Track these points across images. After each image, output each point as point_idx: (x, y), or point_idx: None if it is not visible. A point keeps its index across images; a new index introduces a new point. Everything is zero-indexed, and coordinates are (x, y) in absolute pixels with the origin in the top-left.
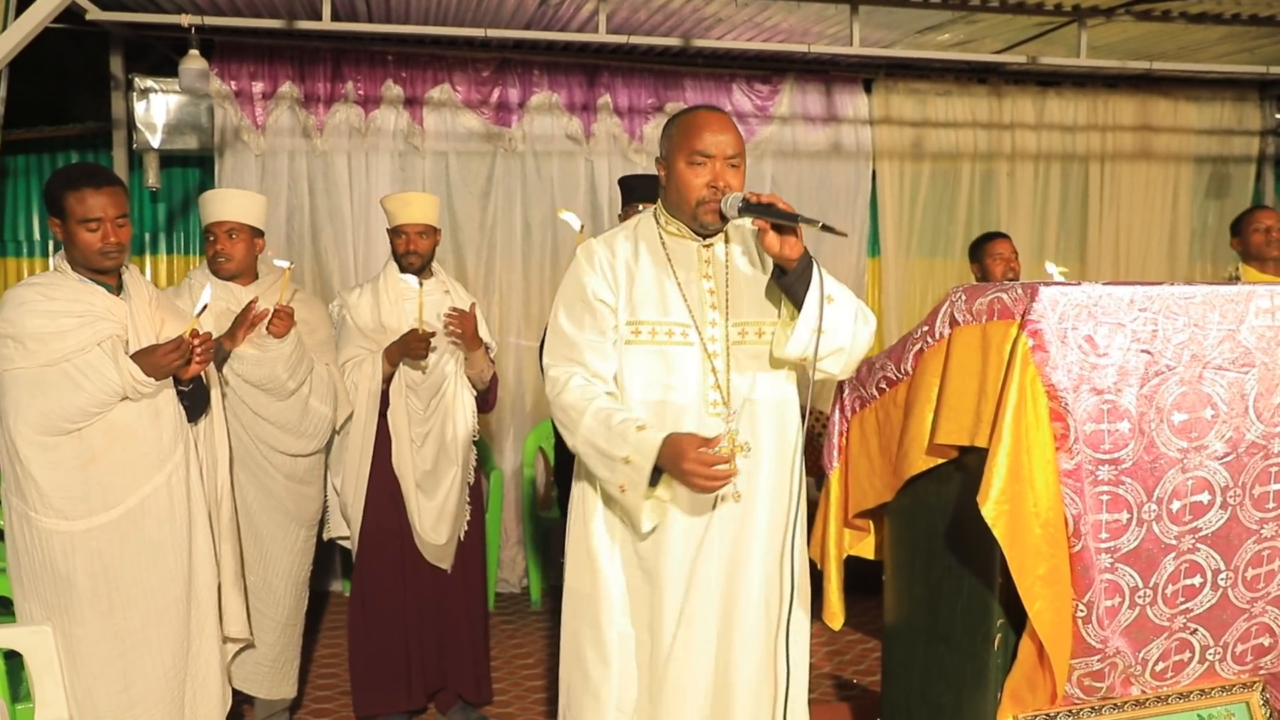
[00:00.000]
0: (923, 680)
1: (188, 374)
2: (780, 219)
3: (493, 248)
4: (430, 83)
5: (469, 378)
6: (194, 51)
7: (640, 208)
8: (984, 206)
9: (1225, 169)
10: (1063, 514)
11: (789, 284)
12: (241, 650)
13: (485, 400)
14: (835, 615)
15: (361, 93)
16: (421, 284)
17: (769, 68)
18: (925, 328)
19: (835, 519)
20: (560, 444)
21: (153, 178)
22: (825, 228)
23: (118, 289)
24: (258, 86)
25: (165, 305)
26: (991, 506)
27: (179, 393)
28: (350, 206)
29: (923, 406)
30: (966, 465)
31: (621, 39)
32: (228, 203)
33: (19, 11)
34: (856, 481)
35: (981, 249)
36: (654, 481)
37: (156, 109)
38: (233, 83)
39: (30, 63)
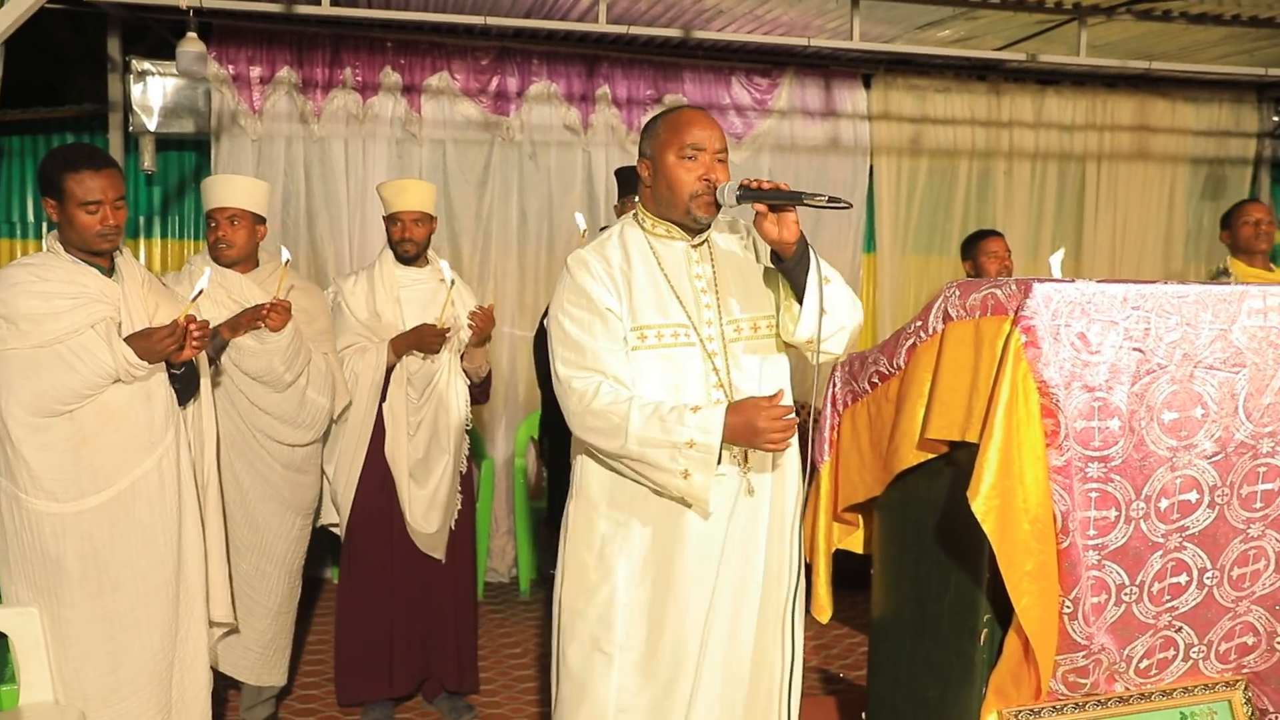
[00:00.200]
0: (909, 675)
1: (180, 358)
2: (782, 199)
3: (489, 237)
4: (429, 70)
5: (466, 371)
6: (192, 34)
7: (637, 199)
8: (981, 204)
9: (1221, 171)
10: (1052, 510)
11: (789, 268)
12: (226, 635)
13: (481, 391)
14: (823, 609)
15: (360, 79)
16: (452, 283)
17: (768, 61)
18: (919, 322)
19: (825, 512)
20: (555, 439)
21: (148, 161)
22: (831, 200)
23: (110, 271)
24: (255, 71)
25: (158, 289)
26: (981, 501)
27: (170, 376)
28: (347, 193)
29: (914, 401)
30: (957, 460)
31: (621, 29)
32: (230, 189)
33: None
34: (847, 475)
35: (975, 247)
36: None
37: (153, 92)
38: (230, 67)
39: (27, 44)
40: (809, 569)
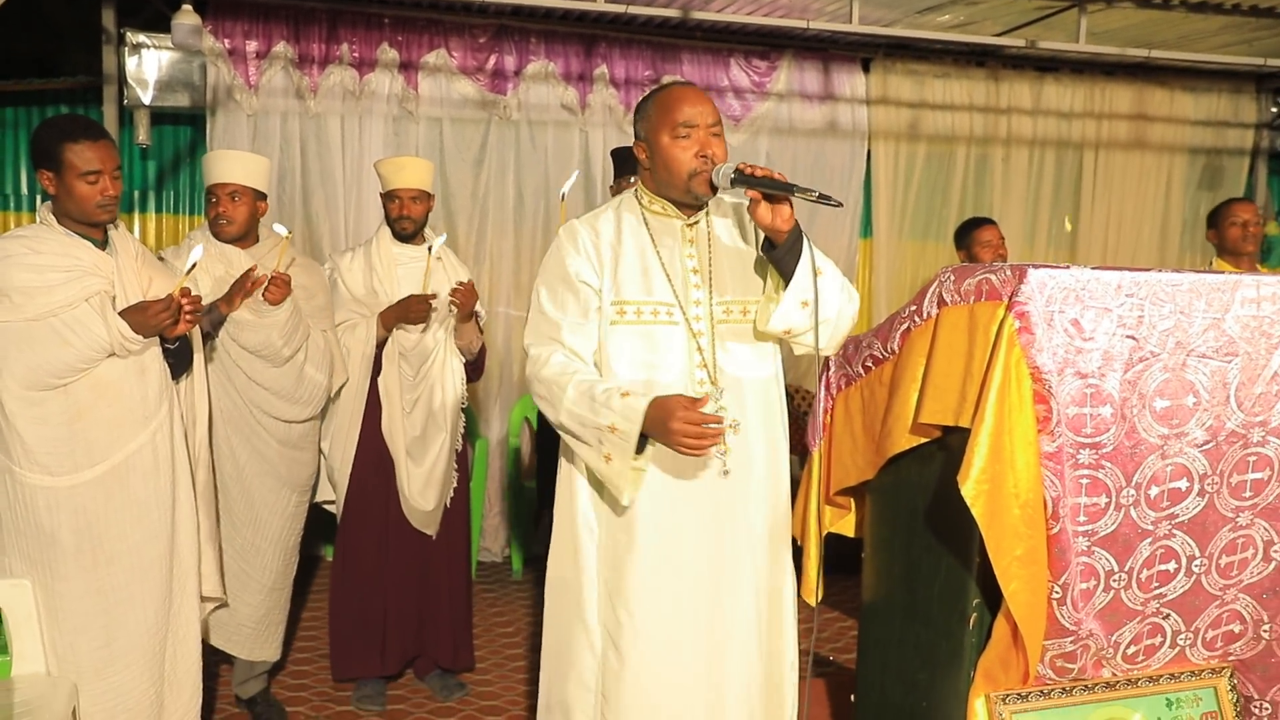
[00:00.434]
0: (898, 658)
1: (175, 333)
2: (775, 189)
3: (484, 216)
4: (426, 47)
5: (458, 347)
6: (187, 6)
7: (632, 180)
8: (978, 190)
9: (1219, 161)
10: (1042, 496)
11: (779, 257)
12: (217, 609)
13: (474, 368)
14: (813, 591)
15: (356, 55)
16: (430, 248)
17: (767, 43)
18: (913, 307)
19: (816, 496)
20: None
21: (143, 134)
22: (821, 197)
23: (103, 244)
24: (251, 45)
25: (152, 262)
26: (971, 486)
27: (164, 351)
28: (343, 170)
29: (908, 385)
30: (949, 445)
31: (620, 8)
32: (231, 164)
33: None
34: (839, 459)
35: (969, 235)
36: (640, 450)
37: (148, 65)
38: (226, 41)
39: (20, 15)
40: (801, 551)
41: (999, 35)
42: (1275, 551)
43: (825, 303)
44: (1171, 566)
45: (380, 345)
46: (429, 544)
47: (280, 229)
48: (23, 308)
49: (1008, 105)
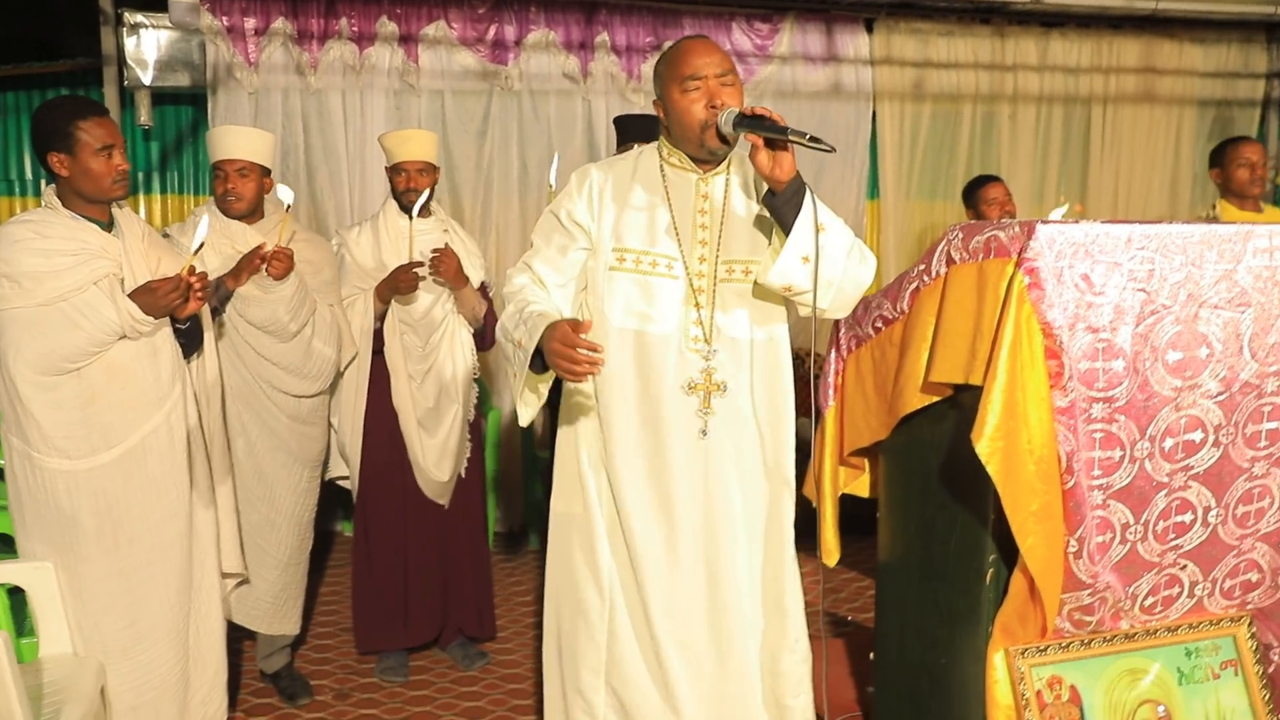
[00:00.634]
0: (916, 615)
1: (185, 312)
2: (769, 132)
3: (489, 187)
4: (425, 19)
5: (463, 316)
6: None
7: (635, 147)
8: (985, 148)
9: (1229, 112)
10: (1056, 451)
11: (777, 206)
12: (239, 585)
13: (483, 339)
14: (830, 552)
15: (355, 29)
16: (412, 218)
17: (769, 6)
18: (922, 266)
19: (830, 457)
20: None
21: (145, 115)
22: (812, 139)
23: (109, 226)
24: (250, 22)
25: (159, 242)
26: (985, 443)
27: (175, 330)
28: (345, 145)
29: (918, 345)
30: (961, 403)
31: None
32: (239, 140)
33: None
34: (852, 420)
35: (975, 194)
36: (542, 372)
37: (147, 45)
38: (224, 18)
39: None
40: (816, 513)
41: None
42: None
43: (829, 261)
44: (1188, 518)
45: (381, 319)
46: (447, 515)
47: (285, 193)
48: (33, 293)
49: (1013, 62)
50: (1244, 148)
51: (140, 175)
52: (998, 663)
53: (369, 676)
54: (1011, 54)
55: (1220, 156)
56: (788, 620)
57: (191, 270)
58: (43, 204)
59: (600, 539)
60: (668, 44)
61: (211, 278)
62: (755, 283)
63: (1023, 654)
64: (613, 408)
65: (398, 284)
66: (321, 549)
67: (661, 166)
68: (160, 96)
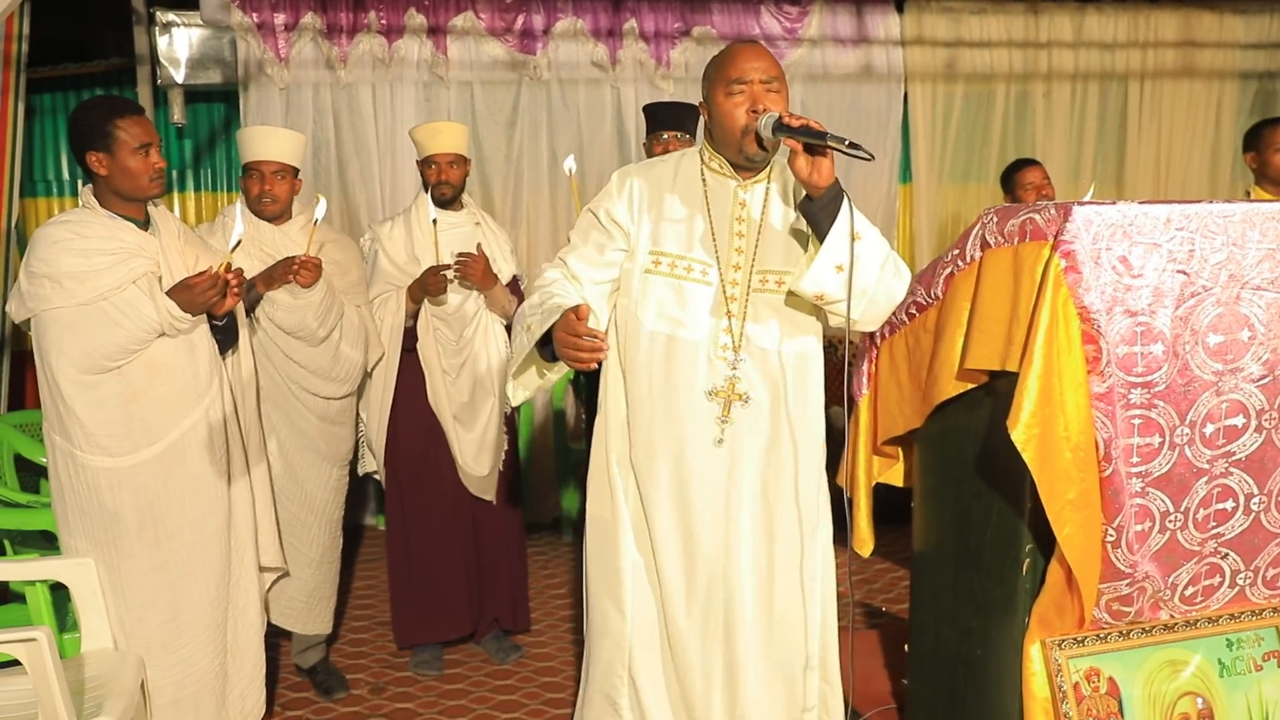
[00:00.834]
0: (952, 606)
1: (222, 309)
2: (808, 137)
3: (519, 178)
4: (453, 11)
5: (494, 314)
6: None
7: (665, 135)
8: (1019, 129)
9: (1272, 85)
10: (1093, 438)
11: (813, 211)
12: (278, 580)
13: None
14: (864, 543)
15: (384, 22)
16: (435, 221)
17: None
18: (956, 251)
19: (864, 446)
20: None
21: (178, 113)
22: (853, 146)
23: (146, 225)
24: (280, 18)
25: (194, 240)
26: (1021, 430)
27: (212, 327)
28: (376, 139)
29: (953, 331)
30: (997, 390)
31: None
32: (274, 141)
33: None
34: (886, 408)
35: (1012, 178)
36: (548, 359)
37: (179, 43)
38: (254, 15)
39: (52, 0)
40: (850, 504)
41: None
42: None
43: (863, 271)
44: (1229, 505)
45: (413, 316)
46: (482, 509)
47: (320, 208)
48: (74, 293)
49: (1048, 39)
50: None
51: (174, 173)
52: (1034, 654)
53: (404, 670)
54: (1046, 31)
55: (1255, 140)
56: (806, 680)
57: (228, 267)
58: (80, 204)
59: (625, 542)
60: (696, 30)
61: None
62: (788, 294)
63: (1060, 645)
64: (640, 409)
65: (427, 286)
66: (357, 543)
67: (702, 171)
68: (193, 94)
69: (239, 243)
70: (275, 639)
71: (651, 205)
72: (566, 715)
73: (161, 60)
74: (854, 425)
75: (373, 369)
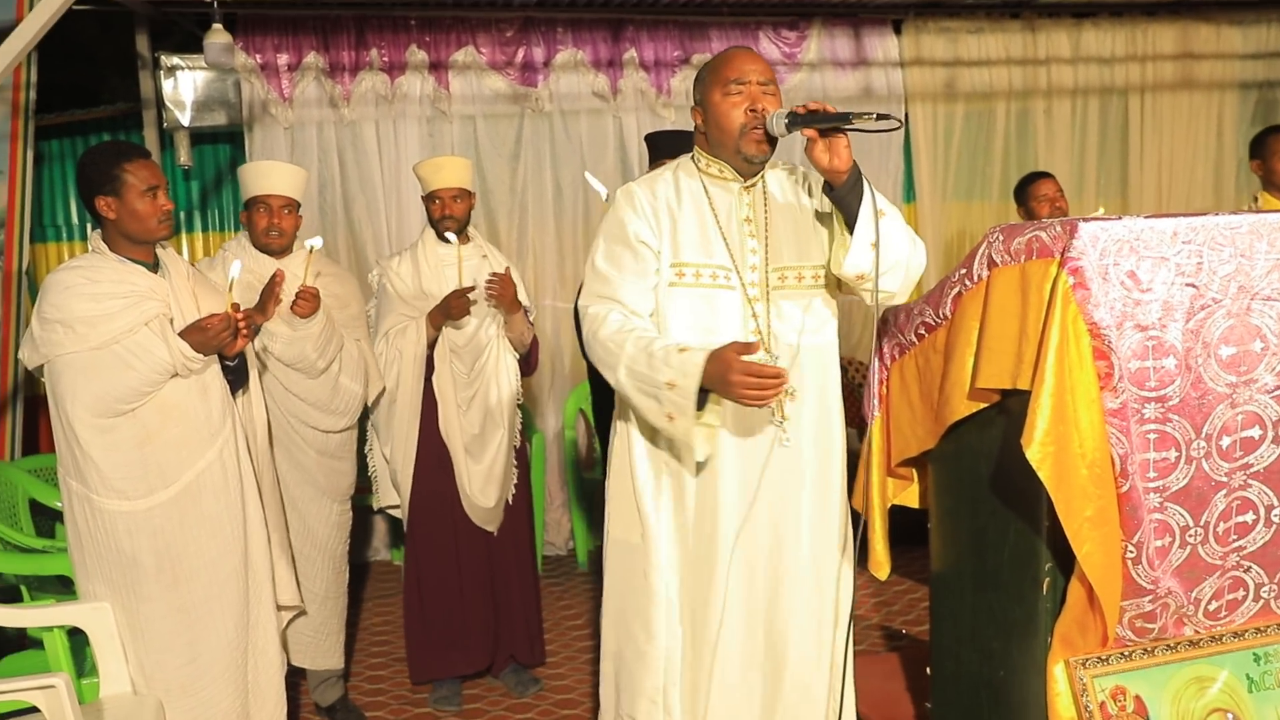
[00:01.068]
0: (972, 627)
1: (234, 349)
2: (830, 122)
3: (524, 210)
4: (454, 46)
5: (510, 340)
6: (217, 26)
7: (668, 163)
8: (1020, 146)
9: (1272, 94)
10: (1109, 454)
11: (841, 196)
12: (296, 617)
13: (527, 363)
14: (881, 565)
15: (386, 59)
16: (457, 243)
17: (795, 13)
18: (963, 270)
19: (878, 468)
20: (600, 401)
21: (184, 155)
22: (881, 117)
23: (155, 267)
24: (283, 58)
25: (202, 281)
26: (1036, 449)
27: (224, 368)
28: (381, 175)
29: (963, 351)
30: (1009, 409)
31: None
32: (280, 177)
33: None
34: (898, 430)
35: (1025, 191)
36: (701, 405)
37: (184, 86)
38: (258, 56)
39: (58, 47)
40: (865, 526)
41: None
42: None
43: (892, 245)
44: (1250, 518)
45: (431, 345)
46: (495, 541)
47: (315, 242)
48: (86, 337)
49: (1046, 56)
50: None
51: (181, 214)
52: (1058, 674)
53: (423, 707)
54: (1044, 48)
55: (1261, 147)
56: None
57: (237, 307)
58: (89, 249)
59: (659, 568)
60: (695, 57)
61: None
62: (808, 288)
63: (1084, 664)
64: None
65: (450, 309)
66: (375, 578)
67: (701, 178)
68: (198, 136)
69: (233, 282)
70: (294, 678)
71: (664, 218)
72: None
73: (167, 103)
74: (866, 447)
75: (373, 402)
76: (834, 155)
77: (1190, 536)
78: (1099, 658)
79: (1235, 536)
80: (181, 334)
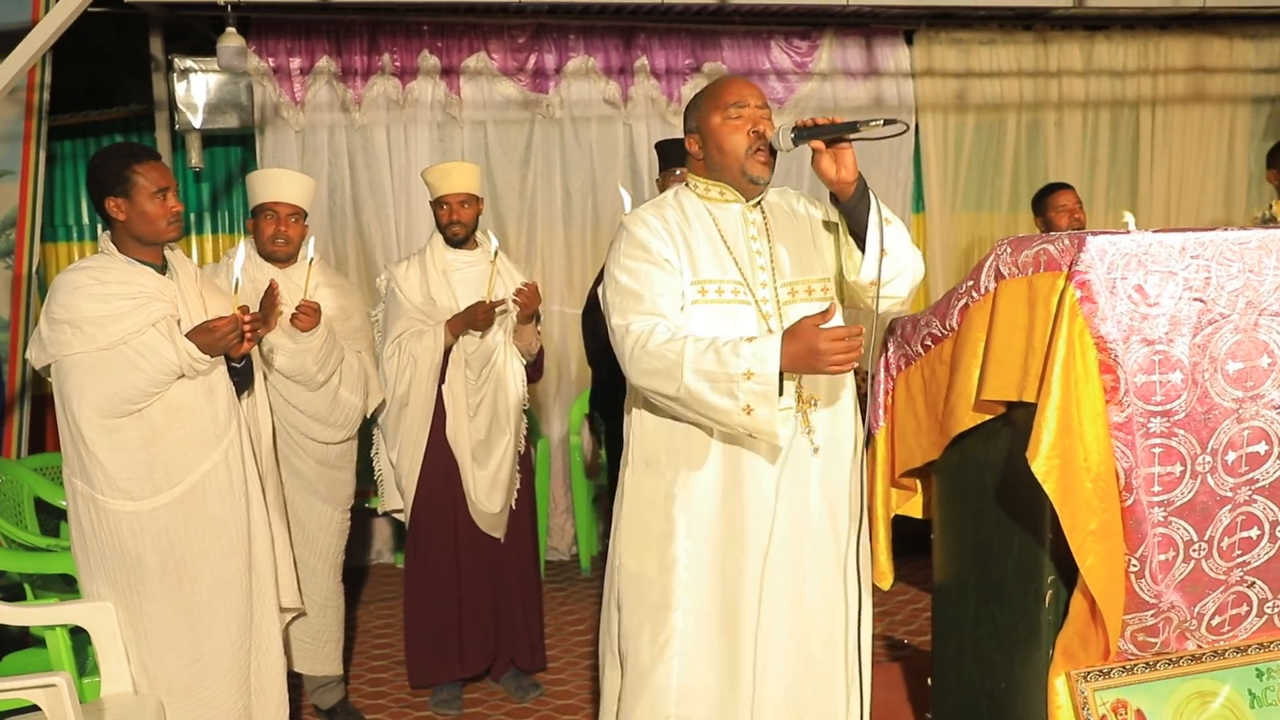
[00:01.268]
0: (974, 638)
1: (240, 351)
2: (838, 131)
3: (533, 216)
4: (466, 51)
5: (517, 349)
6: (231, 29)
7: (678, 172)
8: (1031, 158)
9: None
10: (1114, 468)
11: (850, 207)
12: (295, 619)
13: (534, 369)
14: (884, 575)
15: (398, 64)
16: (495, 252)
17: (807, 23)
18: (970, 282)
19: (882, 478)
20: (609, 415)
21: (196, 158)
22: (887, 122)
23: (163, 269)
24: (295, 62)
25: (209, 283)
26: (1042, 462)
27: (230, 369)
28: (391, 179)
29: (969, 362)
30: (1015, 421)
31: None
32: (287, 184)
33: None
34: (903, 440)
35: (1044, 201)
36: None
37: (197, 89)
38: (270, 59)
39: (72, 48)
40: (870, 536)
41: None
42: None
43: (900, 251)
44: (1254, 533)
45: (447, 352)
46: (499, 546)
47: (309, 247)
48: (94, 338)
49: (1058, 68)
50: None
51: (192, 216)
52: (1060, 687)
53: (424, 710)
54: (1055, 60)
55: (1277, 159)
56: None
57: (245, 309)
58: (99, 250)
59: (677, 592)
60: (706, 66)
61: None
62: (816, 300)
63: (1085, 677)
64: (722, 440)
65: (475, 320)
66: (376, 581)
67: (703, 203)
68: (210, 138)
69: (238, 282)
70: (294, 679)
71: (678, 238)
72: None
73: (179, 105)
74: (871, 457)
75: (374, 413)
76: (840, 166)
77: (1194, 551)
78: (1101, 671)
79: (1239, 551)
80: (189, 335)
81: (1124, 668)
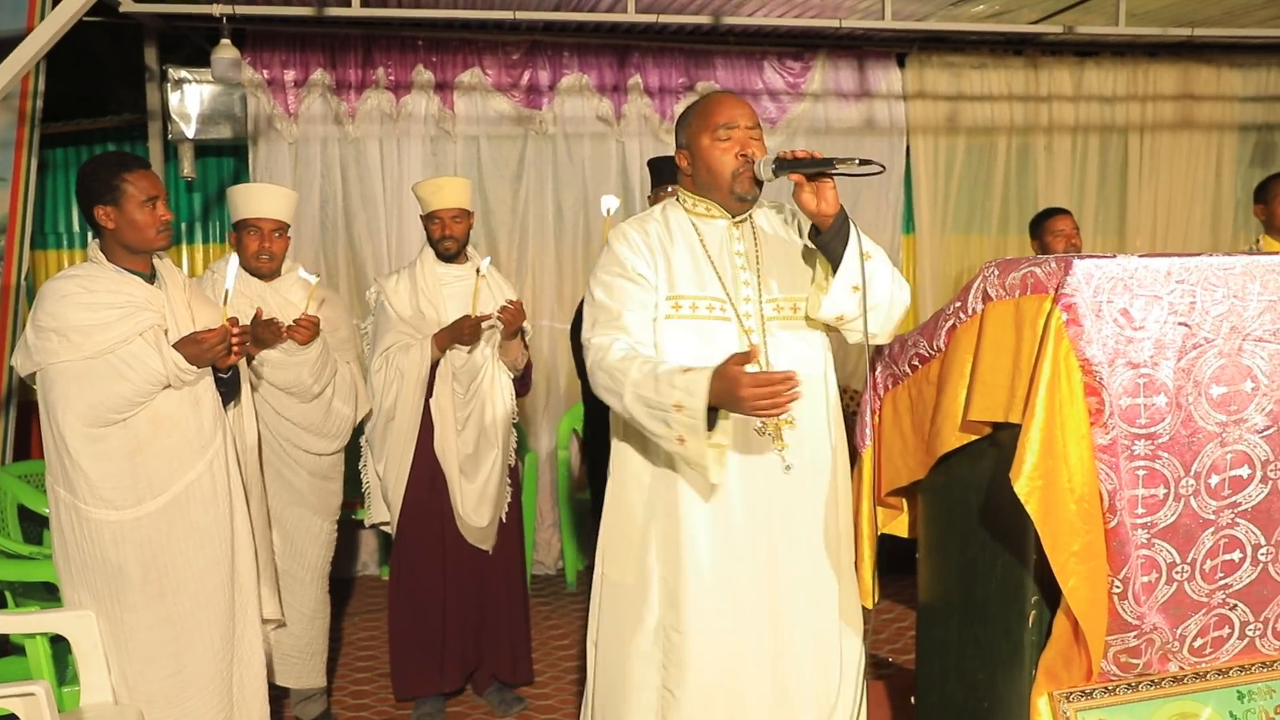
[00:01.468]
0: (958, 658)
1: (227, 362)
2: (815, 167)
3: (525, 231)
4: (460, 67)
5: (503, 362)
6: (225, 41)
7: (670, 189)
8: (1021, 181)
9: (1271, 137)
10: (1098, 489)
11: (826, 241)
12: (275, 629)
13: (522, 383)
14: (868, 593)
15: (392, 78)
16: (479, 269)
17: (800, 44)
18: (958, 303)
19: (868, 497)
20: (590, 426)
21: (188, 168)
22: (863, 163)
23: (152, 278)
24: (289, 74)
25: (198, 293)
26: (1024, 482)
27: (217, 380)
28: (383, 193)
29: (956, 383)
30: (1001, 442)
31: (651, 18)
32: (269, 200)
33: (54, 4)
34: (889, 459)
35: (1042, 224)
36: (712, 425)
37: (190, 99)
38: (265, 71)
39: (67, 56)
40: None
41: (1035, 23)
42: None
43: (875, 287)
44: (1236, 556)
45: (434, 366)
46: (485, 559)
47: (309, 276)
48: (80, 346)
49: (1048, 93)
50: None
51: (183, 226)
52: (1042, 707)
53: None
54: (1045, 85)
55: (1265, 193)
56: None
57: (234, 322)
58: (88, 258)
59: (652, 613)
60: (700, 84)
61: None
62: (801, 318)
63: (1068, 698)
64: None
65: (461, 335)
66: (361, 593)
67: (689, 217)
68: (203, 149)
69: (228, 293)
70: (275, 691)
71: (658, 253)
72: None
73: (173, 115)
74: (857, 476)
75: (363, 421)
76: (821, 200)
77: (1177, 573)
78: (1083, 691)
79: (1222, 574)
80: (176, 345)
81: (1106, 688)
